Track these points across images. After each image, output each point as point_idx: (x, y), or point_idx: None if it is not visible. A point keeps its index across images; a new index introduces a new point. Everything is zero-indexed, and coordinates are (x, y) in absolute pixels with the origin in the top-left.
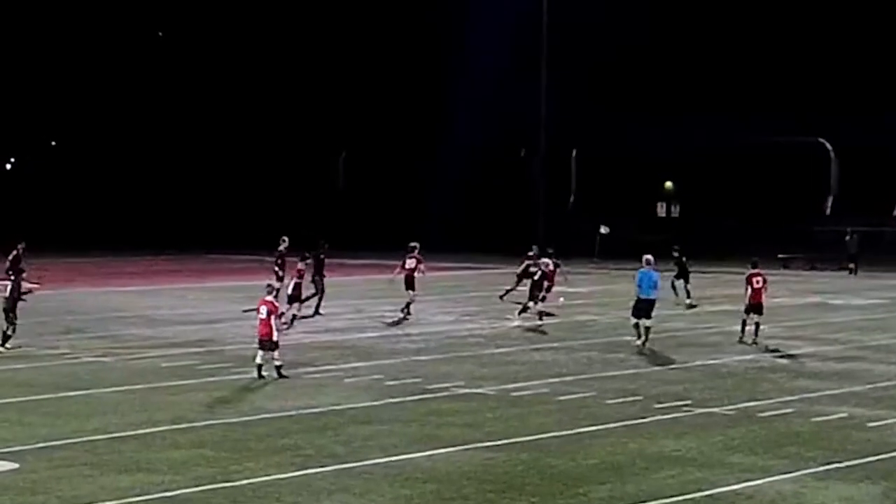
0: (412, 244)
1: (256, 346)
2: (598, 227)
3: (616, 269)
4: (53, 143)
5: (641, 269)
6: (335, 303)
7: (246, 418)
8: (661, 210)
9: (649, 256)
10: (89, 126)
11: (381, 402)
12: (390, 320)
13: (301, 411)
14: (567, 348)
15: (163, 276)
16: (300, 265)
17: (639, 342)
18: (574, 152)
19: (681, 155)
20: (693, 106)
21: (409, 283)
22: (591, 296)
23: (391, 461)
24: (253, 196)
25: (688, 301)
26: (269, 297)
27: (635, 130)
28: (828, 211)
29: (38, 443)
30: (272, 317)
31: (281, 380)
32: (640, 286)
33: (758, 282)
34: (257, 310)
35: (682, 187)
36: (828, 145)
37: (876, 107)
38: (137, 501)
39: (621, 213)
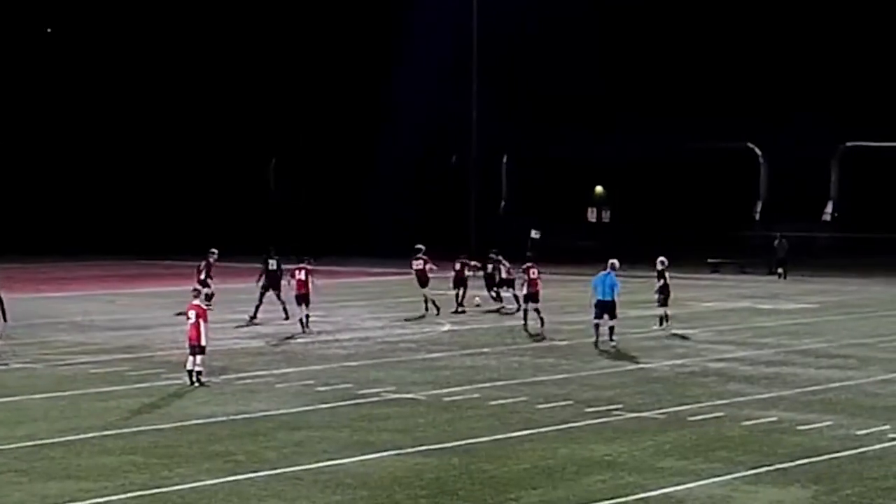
0: (418, 246)
1: (188, 351)
2: (530, 232)
3: (547, 273)
4: None
5: (600, 273)
6: (266, 308)
7: (177, 424)
8: (592, 215)
9: (615, 261)
10: (16, 130)
11: (313, 407)
12: (327, 327)
13: (232, 417)
14: (498, 353)
15: (93, 282)
16: (299, 269)
17: (597, 341)
18: (505, 158)
19: (612, 161)
20: (624, 112)
21: (423, 282)
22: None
23: (322, 467)
24: (184, 202)
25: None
26: (197, 302)
27: (566, 136)
28: (757, 216)
29: None
30: (201, 321)
31: (203, 387)
32: (594, 289)
33: (534, 273)
34: (186, 314)
35: (614, 193)
36: (757, 150)
37: (805, 114)
38: None
39: (553, 219)
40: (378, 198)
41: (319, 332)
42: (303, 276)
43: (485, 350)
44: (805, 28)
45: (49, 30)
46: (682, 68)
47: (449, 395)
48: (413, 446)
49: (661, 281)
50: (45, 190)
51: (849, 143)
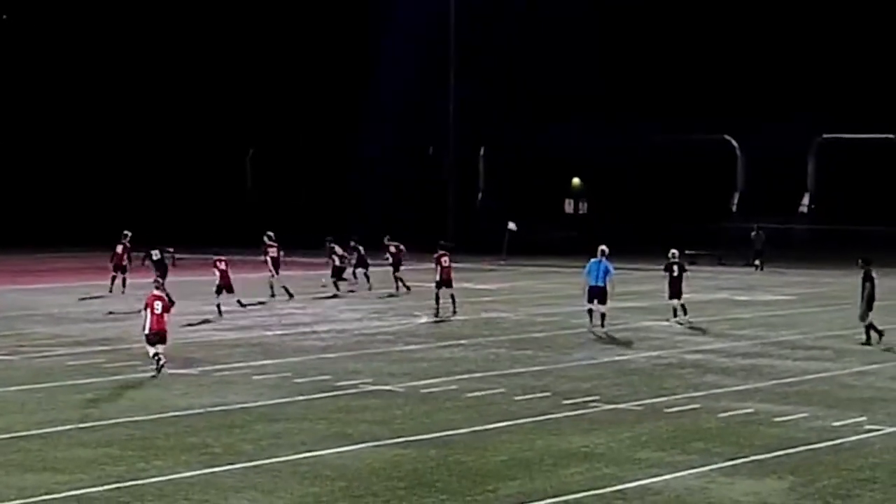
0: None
1: (147, 341)
2: (507, 224)
3: (524, 265)
4: None
5: (593, 259)
6: (243, 300)
7: (153, 416)
8: (569, 207)
9: (604, 247)
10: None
11: (290, 399)
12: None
13: (209, 409)
14: (475, 345)
15: (69, 274)
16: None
17: (590, 326)
18: (482, 150)
19: (589, 153)
20: (602, 105)
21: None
22: (499, 293)
23: (300, 458)
24: (163, 194)
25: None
26: (158, 292)
27: (544, 129)
28: (734, 208)
29: None
30: (166, 313)
31: (165, 375)
32: (589, 274)
33: (445, 261)
34: (150, 304)
35: (591, 185)
36: (734, 143)
37: (783, 108)
38: (43, 500)
39: (530, 211)
40: (356, 189)
41: (296, 324)
42: (223, 267)
43: (462, 342)
44: (782, 24)
45: (4, 17)
46: (660, 62)
47: (426, 386)
48: (391, 438)
49: (674, 273)
50: (21, 181)
51: (825, 136)
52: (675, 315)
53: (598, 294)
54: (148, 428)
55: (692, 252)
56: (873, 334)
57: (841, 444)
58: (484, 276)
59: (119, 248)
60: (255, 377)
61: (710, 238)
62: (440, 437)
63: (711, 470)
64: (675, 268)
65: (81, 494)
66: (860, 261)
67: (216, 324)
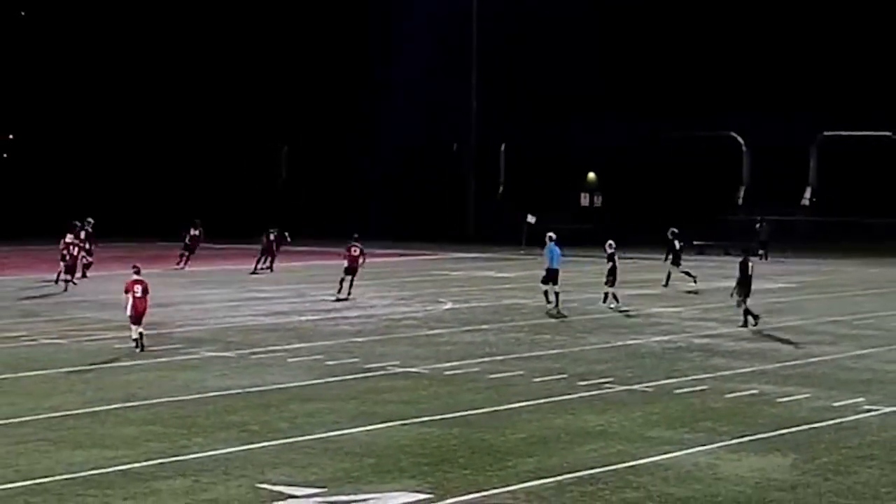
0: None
1: (131, 321)
2: (526, 217)
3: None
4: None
5: (550, 245)
6: (278, 287)
7: (194, 396)
8: (585, 200)
9: (552, 234)
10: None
11: (322, 380)
12: (331, 304)
13: (246, 389)
14: (496, 330)
15: (115, 263)
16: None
17: (550, 305)
18: (503, 146)
19: (604, 149)
20: (616, 104)
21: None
22: (519, 280)
23: (332, 436)
24: (203, 187)
25: None
26: (138, 277)
27: (561, 126)
28: (740, 201)
29: None
30: (147, 295)
31: (144, 350)
32: (551, 259)
33: (354, 250)
34: (130, 289)
35: (605, 179)
36: (740, 139)
37: (786, 105)
38: (92, 475)
39: (547, 204)
40: (381, 184)
41: (329, 310)
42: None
43: (484, 327)
44: (786, 26)
45: (22, 13)
46: (671, 63)
47: (450, 369)
48: (416, 417)
49: (611, 263)
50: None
51: (826, 133)
52: (605, 300)
53: (553, 276)
54: (189, 407)
55: (700, 243)
56: (750, 318)
57: (840, 423)
58: (504, 265)
59: (195, 231)
60: (290, 360)
61: (717, 229)
62: (463, 416)
63: (719, 447)
64: (615, 258)
65: (127, 469)
66: (741, 250)
67: (252, 309)
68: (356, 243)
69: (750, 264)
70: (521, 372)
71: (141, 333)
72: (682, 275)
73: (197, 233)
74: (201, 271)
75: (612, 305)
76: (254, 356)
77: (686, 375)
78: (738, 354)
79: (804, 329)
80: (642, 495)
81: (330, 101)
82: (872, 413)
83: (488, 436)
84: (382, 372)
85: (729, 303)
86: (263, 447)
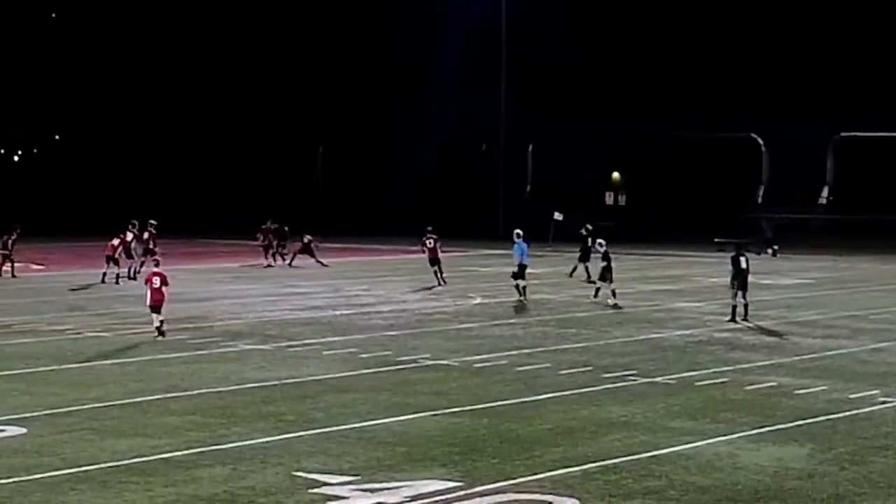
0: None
1: (150, 311)
2: (553, 214)
3: (568, 251)
4: (57, 136)
5: (519, 243)
6: (315, 283)
7: (233, 387)
8: (609, 199)
9: (519, 230)
10: (92, 118)
11: (356, 372)
12: (364, 299)
13: (284, 381)
14: (524, 324)
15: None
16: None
17: (523, 298)
18: (531, 147)
19: (628, 150)
20: (640, 106)
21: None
22: (546, 276)
23: (365, 426)
24: (242, 186)
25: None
26: (158, 269)
27: (587, 127)
28: (760, 200)
29: (44, 410)
30: (164, 287)
31: (164, 337)
32: (521, 255)
33: (430, 242)
34: (150, 280)
35: (629, 178)
36: (760, 140)
37: (804, 107)
38: (134, 463)
39: (574, 202)
40: (412, 183)
41: (363, 305)
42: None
43: (512, 321)
44: (805, 32)
45: (53, 14)
46: (694, 67)
47: (479, 361)
48: (447, 408)
49: (605, 262)
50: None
51: (843, 134)
52: (597, 295)
53: (522, 271)
54: (228, 398)
55: (720, 240)
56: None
57: (856, 414)
58: (532, 261)
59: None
60: (325, 352)
61: (738, 227)
62: (491, 407)
63: (738, 437)
64: (609, 255)
65: (169, 457)
66: (734, 245)
67: (289, 303)
68: (431, 235)
69: (742, 259)
70: (547, 364)
71: (161, 321)
72: (584, 271)
73: (275, 227)
74: (238, 267)
75: (609, 301)
76: (290, 349)
77: (707, 368)
78: (757, 348)
79: (821, 323)
80: (664, 483)
81: (364, 103)
82: (887, 405)
83: (516, 426)
84: (414, 364)
85: (748, 298)
86: (299, 436)
